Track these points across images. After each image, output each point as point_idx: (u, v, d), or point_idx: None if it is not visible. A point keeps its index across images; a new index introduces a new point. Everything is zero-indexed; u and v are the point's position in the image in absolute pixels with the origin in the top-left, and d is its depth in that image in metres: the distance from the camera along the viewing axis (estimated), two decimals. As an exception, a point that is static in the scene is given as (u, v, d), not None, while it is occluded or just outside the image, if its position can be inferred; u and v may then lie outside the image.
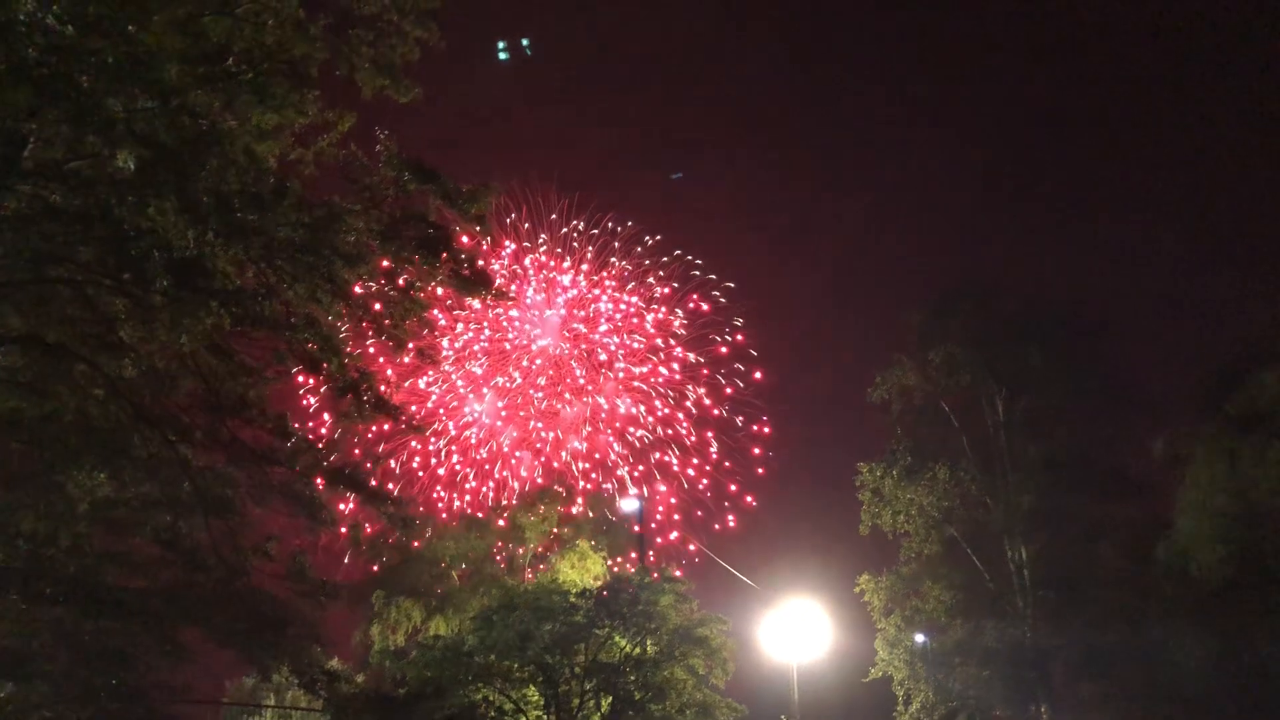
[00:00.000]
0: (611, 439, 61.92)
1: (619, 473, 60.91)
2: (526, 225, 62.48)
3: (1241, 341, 36.46)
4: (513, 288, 59.27)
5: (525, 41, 54.68)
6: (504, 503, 46.96)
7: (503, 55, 53.37)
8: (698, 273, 64.41)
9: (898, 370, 42.64)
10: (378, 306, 17.17)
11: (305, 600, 19.29)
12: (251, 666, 21.75)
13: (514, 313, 61.12)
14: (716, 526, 62.00)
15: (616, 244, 63.66)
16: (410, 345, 17.93)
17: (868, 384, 43.23)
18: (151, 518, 18.40)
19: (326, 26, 15.86)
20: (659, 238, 64.47)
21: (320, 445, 18.43)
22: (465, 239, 17.57)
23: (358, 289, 16.67)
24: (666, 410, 63.10)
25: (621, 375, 62.83)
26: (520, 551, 41.56)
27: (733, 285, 65.28)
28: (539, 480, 54.22)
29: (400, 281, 17.17)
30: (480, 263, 17.75)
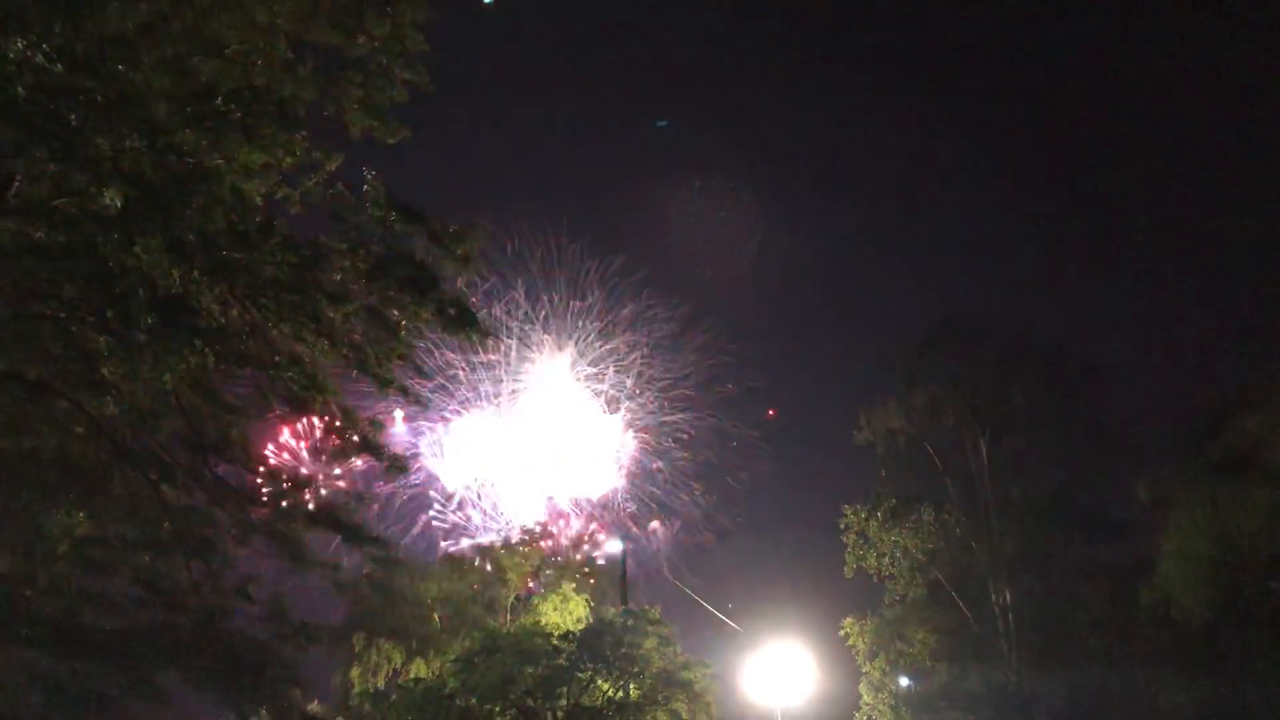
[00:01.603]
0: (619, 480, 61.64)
1: (619, 510, 60.60)
2: (527, 271, 62.42)
3: (1224, 386, 36.79)
4: (503, 330, 59.05)
5: None
6: (493, 544, 46.49)
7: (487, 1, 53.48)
8: (709, 328, 64.57)
9: (881, 411, 42.71)
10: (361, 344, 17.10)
11: (285, 642, 19.09)
12: (230, 710, 21.46)
13: (519, 352, 60.93)
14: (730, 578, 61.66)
15: (600, 277, 63.61)
16: (395, 384, 17.83)
17: (852, 423, 43.37)
18: (131, 558, 18.24)
19: (315, 68, 15.92)
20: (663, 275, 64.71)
21: (303, 484, 18.29)
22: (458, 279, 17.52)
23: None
24: (668, 449, 62.94)
25: (627, 417, 62.68)
26: (503, 593, 41.24)
27: (743, 345, 65.40)
28: (538, 521, 53.78)
29: (385, 320, 17.11)
30: (472, 301, 17.74)
